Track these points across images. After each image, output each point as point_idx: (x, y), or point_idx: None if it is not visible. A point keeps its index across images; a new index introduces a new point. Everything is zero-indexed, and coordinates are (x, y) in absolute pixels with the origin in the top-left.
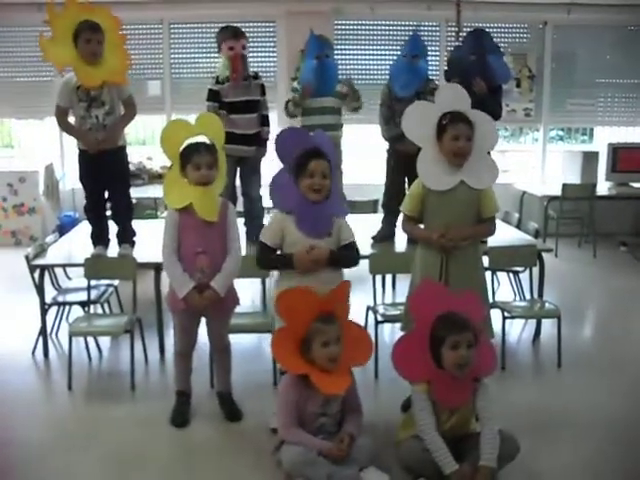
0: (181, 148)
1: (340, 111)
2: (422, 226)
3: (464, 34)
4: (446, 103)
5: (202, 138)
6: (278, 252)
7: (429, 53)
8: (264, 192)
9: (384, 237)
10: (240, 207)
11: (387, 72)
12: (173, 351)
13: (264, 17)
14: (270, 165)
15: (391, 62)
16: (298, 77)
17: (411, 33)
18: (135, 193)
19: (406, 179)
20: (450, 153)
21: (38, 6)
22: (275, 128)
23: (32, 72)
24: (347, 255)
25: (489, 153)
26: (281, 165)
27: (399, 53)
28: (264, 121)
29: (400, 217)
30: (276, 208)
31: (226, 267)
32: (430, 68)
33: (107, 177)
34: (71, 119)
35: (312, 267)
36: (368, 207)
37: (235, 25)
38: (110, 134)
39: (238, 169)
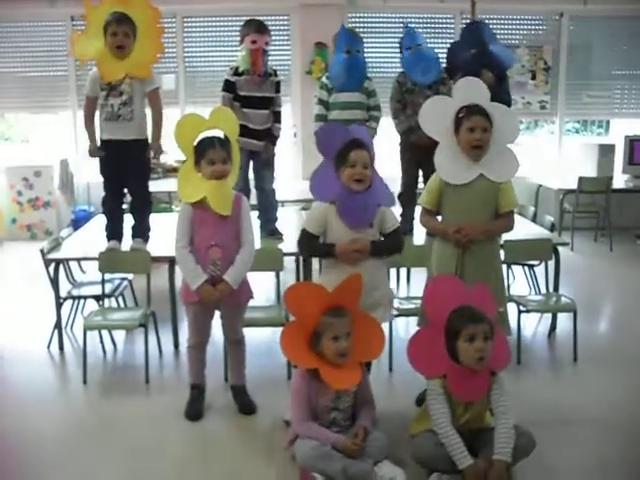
0: (195, 142)
1: (366, 106)
2: (440, 218)
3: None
4: (463, 97)
5: (216, 132)
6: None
7: (443, 45)
8: (277, 185)
9: (407, 230)
10: (253, 200)
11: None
12: (187, 345)
13: (278, 10)
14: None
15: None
16: (313, 70)
17: (405, 28)
18: (150, 187)
19: (420, 171)
20: (467, 145)
21: (51, 2)
22: (288, 123)
23: (46, 67)
24: (389, 243)
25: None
26: (322, 159)
27: (404, 48)
28: (276, 118)
29: (417, 209)
30: (318, 200)
31: (239, 260)
32: (444, 60)
33: (128, 170)
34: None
35: (354, 258)
36: None
37: (261, 20)
38: (155, 145)
39: (251, 162)
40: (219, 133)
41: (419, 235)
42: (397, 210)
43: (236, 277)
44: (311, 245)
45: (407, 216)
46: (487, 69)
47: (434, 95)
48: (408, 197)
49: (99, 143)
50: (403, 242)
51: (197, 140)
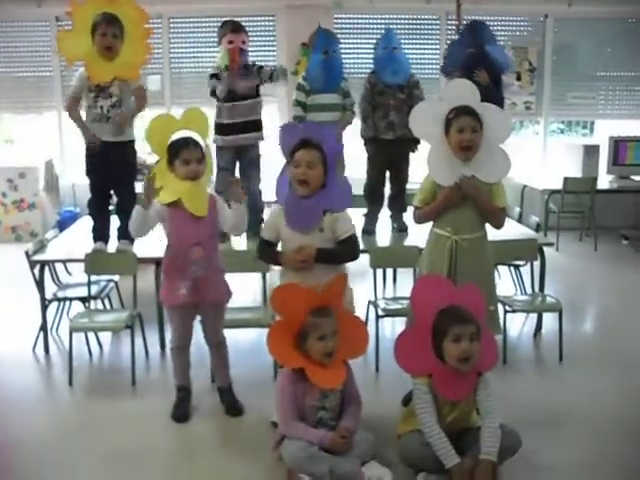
0: (168, 142)
1: (343, 107)
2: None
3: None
4: (454, 99)
5: (188, 133)
6: (278, 247)
7: (429, 46)
8: (264, 186)
9: (371, 230)
10: None
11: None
12: (170, 347)
13: (264, 11)
14: (270, 160)
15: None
16: (299, 71)
17: (385, 28)
18: (136, 188)
19: (387, 170)
20: (457, 146)
21: (38, 1)
22: (276, 121)
23: (32, 67)
24: (339, 251)
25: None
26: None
27: (377, 47)
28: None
29: (383, 211)
30: (277, 202)
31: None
32: (430, 62)
33: (114, 171)
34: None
35: (300, 266)
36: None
37: (236, 19)
38: (116, 128)
39: (238, 163)
40: (191, 134)
41: (412, 237)
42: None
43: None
44: (265, 252)
45: (372, 216)
46: (483, 69)
47: (406, 97)
48: (375, 197)
49: (85, 145)
50: (356, 250)
51: (170, 140)
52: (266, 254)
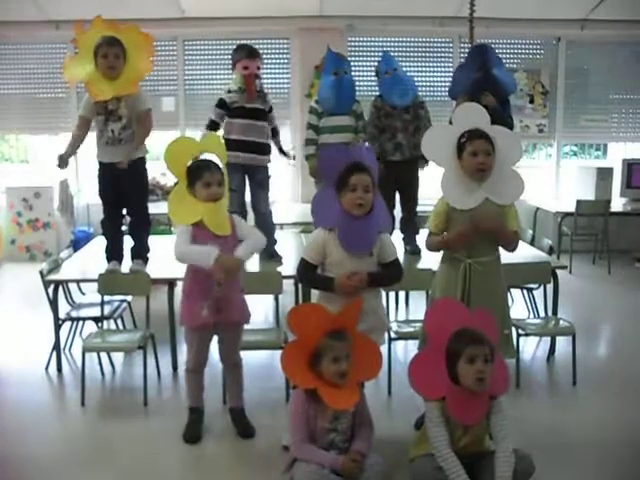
0: (188, 165)
1: (355, 129)
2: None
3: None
4: (464, 122)
5: (208, 156)
6: (319, 271)
7: (441, 69)
8: (275, 208)
9: None
10: (251, 222)
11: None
12: (185, 368)
13: (278, 34)
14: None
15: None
16: (313, 94)
17: (382, 52)
18: (149, 209)
19: (397, 192)
20: (471, 169)
21: (56, 24)
22: (289, 144)
23: (48, 88)
24: (387, 274)
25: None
26: (326, 183)
27: (378, 73)
28: (275, 133)
29: (395, 234)
30: (318, 225)
31: (249, 241)
32: (443, 84)
33: (126, 190)
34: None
35: (353, 292)
36: None
37: (251, 44)
38: (125, 157)
39: (247, 184)
40: (211, 157)
41: (425, 259)
42: None
43: (245, 252)
44: (310, 276)
45: None
46: (489, 92)
47: (412, 118)
48: None
49: (98, 165)
50: (402, 273)
51: (190, 163)
52: (311, 278)
